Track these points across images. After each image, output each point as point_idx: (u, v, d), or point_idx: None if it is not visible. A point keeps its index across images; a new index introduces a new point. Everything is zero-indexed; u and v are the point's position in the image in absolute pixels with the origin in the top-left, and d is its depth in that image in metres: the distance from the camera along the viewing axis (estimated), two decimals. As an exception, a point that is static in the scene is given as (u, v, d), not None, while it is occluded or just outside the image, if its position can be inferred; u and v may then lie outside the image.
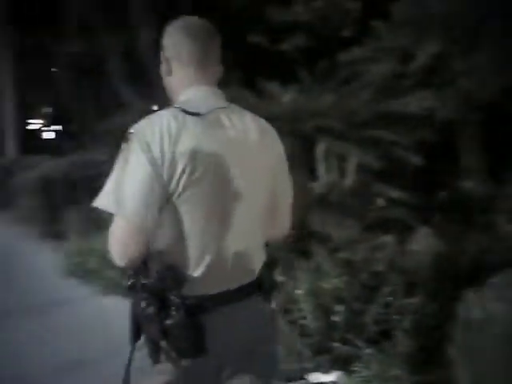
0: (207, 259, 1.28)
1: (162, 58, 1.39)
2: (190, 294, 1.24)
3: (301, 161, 3.50)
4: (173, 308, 1.21)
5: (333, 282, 2.73)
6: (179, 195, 1.24)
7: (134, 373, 1.30)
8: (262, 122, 1.43)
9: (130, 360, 1.31)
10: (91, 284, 4.69)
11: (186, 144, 1.23)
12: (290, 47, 6.63)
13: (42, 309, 4.20)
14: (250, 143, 1.35)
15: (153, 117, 1.29)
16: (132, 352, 1.31)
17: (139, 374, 1.30)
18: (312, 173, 3.71)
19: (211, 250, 1.28)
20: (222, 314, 1.29)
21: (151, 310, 1.22)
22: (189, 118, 1.27)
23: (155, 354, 1.26)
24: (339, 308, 2.64)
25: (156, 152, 1.21)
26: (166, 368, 1.26)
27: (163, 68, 1.40)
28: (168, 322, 1.21)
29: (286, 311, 2.69)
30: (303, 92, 4.11)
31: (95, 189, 1.34)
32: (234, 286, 1.32)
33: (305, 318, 2.67)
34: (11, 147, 12.88)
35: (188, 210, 1.26)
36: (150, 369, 1.28)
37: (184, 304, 1.21)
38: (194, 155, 1.24)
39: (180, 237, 1.27)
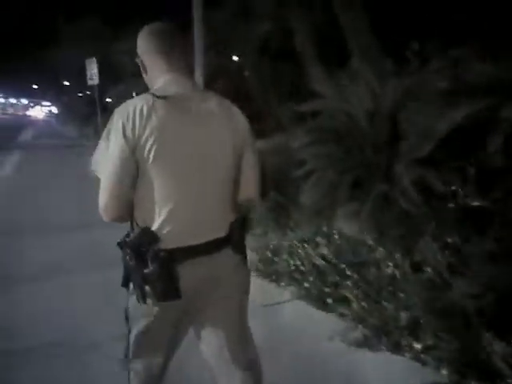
0: (176, 218, 1.57)
1: (137, 61, 1.70)
2: (163, 248, 1.54)
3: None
4: (149, 260, 1.52)
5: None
6: (151, 165, 1.53)
7: (132, 313, 1.67)
8: (228, 104, 1.69)
9: (127, 303, 1.67)
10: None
11: (154, 123, 1.51)
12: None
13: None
14: (211, 122, 1.61)
15: (130, 101, 1.56)
16: (128, 296, 1.65)
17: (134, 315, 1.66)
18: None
19: (179, 210, 1.57)
20: (192, 265, 1.58)
21: (133, 262, 1.55)
22: (158, 101, 1.54)
23: (142, 296, 1.57)
24: None
25: (129, 132, 1.50)
26: (147, 312, 1.60)
27: (141, 67, 1.71)
28: (146, 271, 1.53)
29: None
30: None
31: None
32: (201, 240, 1.60)
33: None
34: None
35: (158, 177, 1.54)
36: (138, 312, 1.62)
37: (158, 256, 1.53)
38: (162, 132, 1.52)
39: (153, 200, 1.56)
